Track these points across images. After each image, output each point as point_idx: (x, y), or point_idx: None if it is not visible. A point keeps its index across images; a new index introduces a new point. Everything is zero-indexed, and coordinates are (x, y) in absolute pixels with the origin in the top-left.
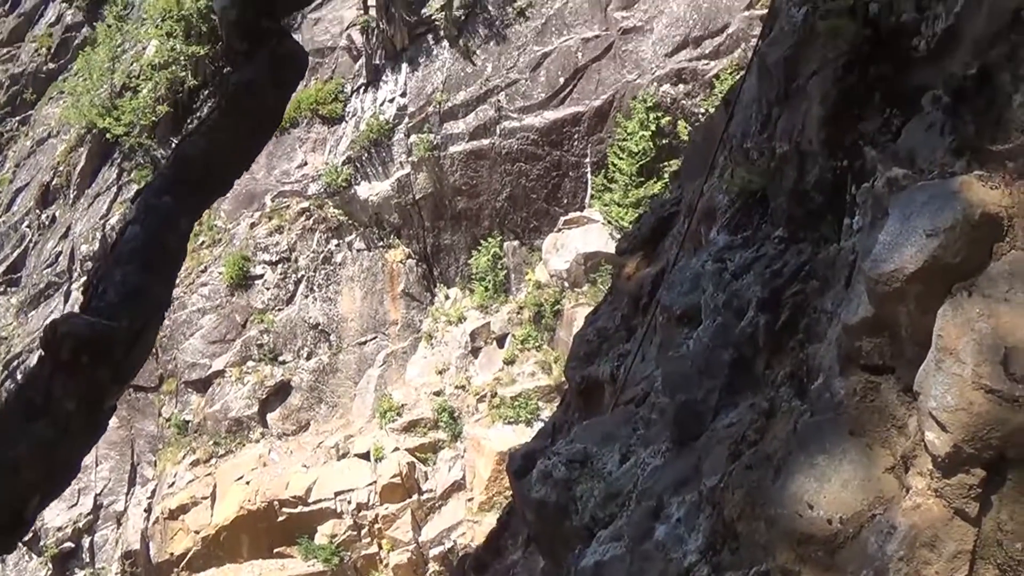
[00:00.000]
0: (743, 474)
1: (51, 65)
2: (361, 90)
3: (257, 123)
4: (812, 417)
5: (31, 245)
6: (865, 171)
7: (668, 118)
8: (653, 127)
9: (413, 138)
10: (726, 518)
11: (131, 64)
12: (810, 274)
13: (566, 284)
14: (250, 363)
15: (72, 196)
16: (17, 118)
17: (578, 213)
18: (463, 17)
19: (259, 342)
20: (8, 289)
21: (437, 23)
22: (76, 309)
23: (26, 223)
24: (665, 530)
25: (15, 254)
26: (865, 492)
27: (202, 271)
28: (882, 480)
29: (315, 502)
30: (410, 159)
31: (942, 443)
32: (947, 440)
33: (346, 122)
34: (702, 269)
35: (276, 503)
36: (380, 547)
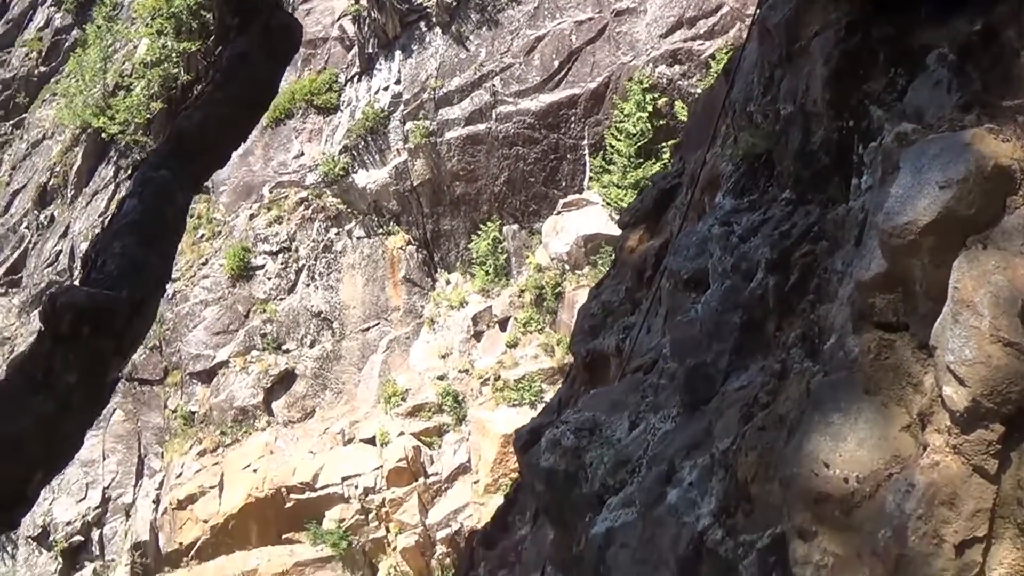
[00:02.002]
0: (756, 436)
1: (42, 68)
2: (355, 79)
3: (253, 95)
4: (826, 377)
5: (31, 245)
6: (871, 131)
7: (665, 99)
8: (650, 108)
9: (409, 125)
10: (739, 480)
11: (123, 63)
12: (819, 235)
13: (567, 267)
14: (254, 352)
15: (70, 195)
16: (11, 122)
17: (577, 195)
18: (455, 3)
19: (262, 331)
20: (9, 290)
21: (429, 10)
22: None
23: (25, 224)
24: (677, 494)
25: (15, 255)
26: (882, 451)
27: (203, 263)
28: (899, 438)
29: (322, 488)
30: (407, 146)
31: (960, 397)
32: (965, 395)
33: (341, 111)
34: (708, 233)
35: (284, 490)
36: (388, 531)
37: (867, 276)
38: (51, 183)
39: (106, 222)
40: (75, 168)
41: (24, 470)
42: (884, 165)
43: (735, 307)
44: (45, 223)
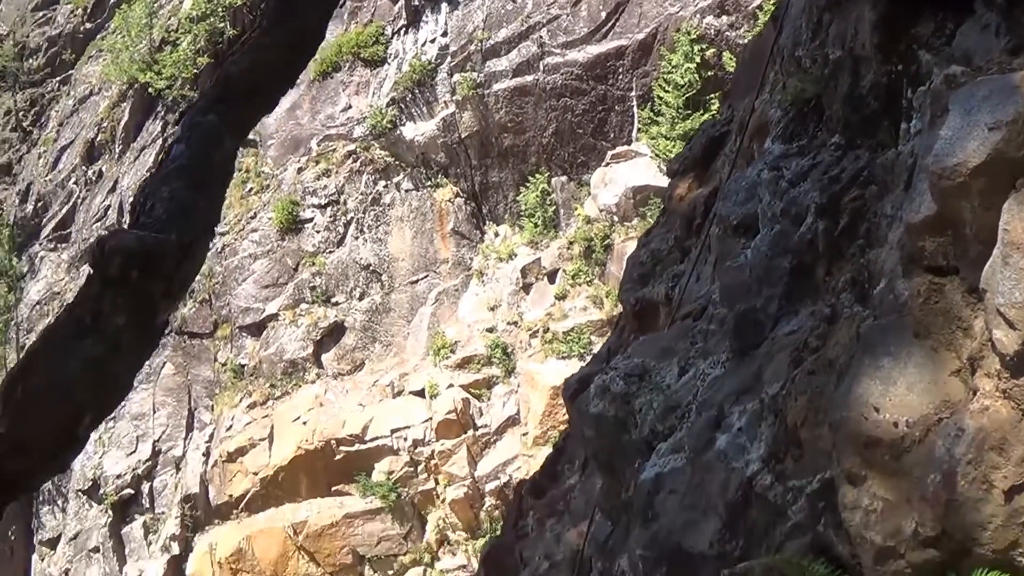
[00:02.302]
0: (806, 380)
1: (88, 25)
2: (402, 31)
3: (299, 41)
4: (875, 321)
5: (79, 201)
6: (920, 75)
7: (713, 50)
8: (698, 59)
9: (456, 77)
10: (789, 425)
11: (169, 18)
12: (868, 179)
13: (615, 218)
14: (303, 305)
15: (118, 151)
16: (57, 79)
17: (626, 147)
18: None
19: (311, 284)
20: (58, 245)
21: None
22: None
23: (73, 180)
24: (726, 440)
25: (64, 211)
26: (931, 395)
27: (252, 217)
28: (948, 383)
29: (372, 440)
30: (454, 98)
31: (1010, 340)
32: (1016, 338)
33: (388, 64)
34: (758, 178)
35: (333, 442)
36: (437, 483)
37: (917, 219)
38: (99, 139)
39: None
40: (122, 123)
41: (74, 413)
42: (933, 108)
43: (785, 252)
44: (93, 178)
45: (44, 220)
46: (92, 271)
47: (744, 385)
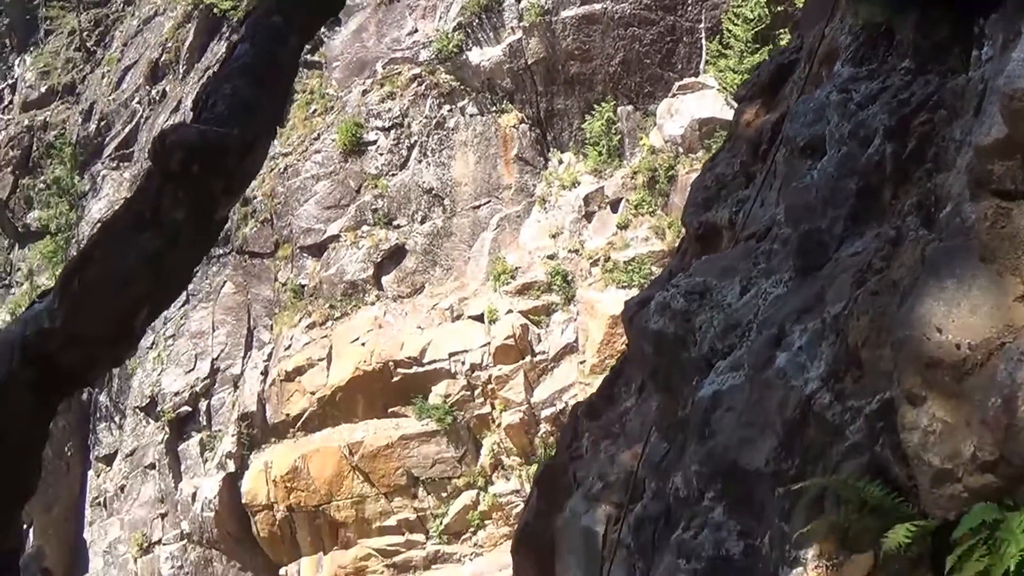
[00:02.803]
0: (869, 300)
1: None
2: None
3: None
4: (941, 244)
5: (142, 120)
6: (991, 1)
7: None
8: None
9: (524, 3)
10: (850, 345)
11: None
12: (938, 103)
13: (680, 150)
14: (364, 227)
15: (182, 71)
16: None
17: (693, 79)
18: None
19: (373, 207)
20: (121, 164)
21: None
22: None
23: (136, 99)
24: (786, 358)
25: (126, 130)
26: (994, 319)
27: (315, 138)
28: (1012, 308)
29: (429, 363)
30: (521, 24)
31: None
32: None
33: None
34: (826, 100)
35: (391, 364)
36: (493, 407)
37: (986, 141)
38: (163, 59)
39: None
40: (187, 44)
41: (131, 306)
42: (1005, 32)
43: (851, 174)
44: (157, 98)
45: (107, 139)
46: (152, 165)
47: (806, 304)
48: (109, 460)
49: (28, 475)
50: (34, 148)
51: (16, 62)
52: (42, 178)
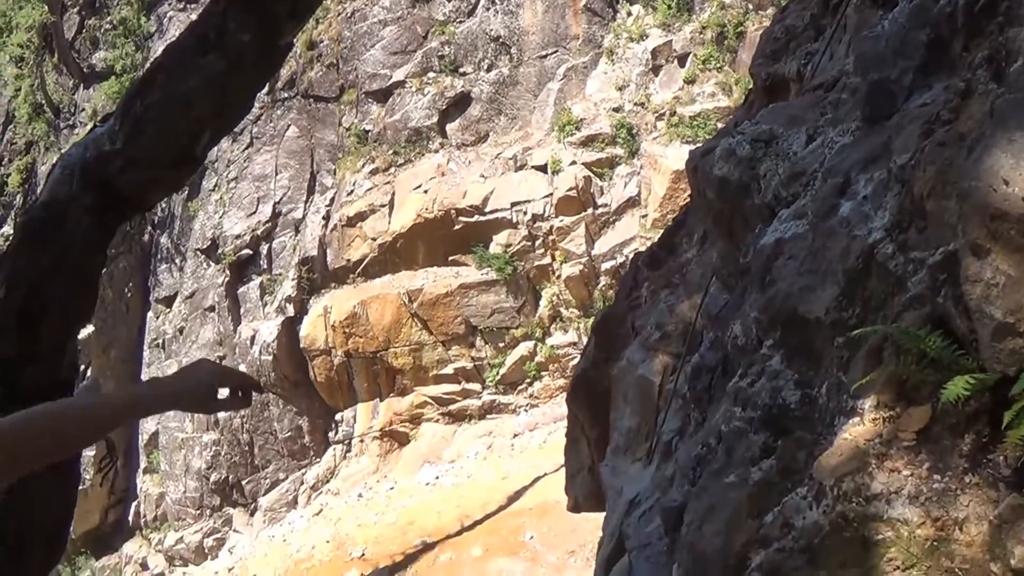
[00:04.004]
0: (935, 151)
1: None
2: None
3: None
4: (1011, 96)
5: None
6: None
7: None
8: None
9: None
10: (915, 195)
11: None
12: None
13: (750, 5)
14: (431, 74)
15: None
16: None
17: None
18: None
19: (440, 53)
20: (188, 5)
21: None
22: None
23: None
24: (851, 207)
25: None
26: None
27: None
28: None
29: (491, 212)
30: None
31: None
32: None
33: None
34: None
35: (453, 212)
36: (553, 258)
37: None
38: None
39: None
40: None
41: (193, 128)
42: None
43: (923, 25)
44: None
45: None
46: None
47: (872, 154)
48: (169, 302)
49: (84, 300)
50: None
51: None
52: (108, 18)
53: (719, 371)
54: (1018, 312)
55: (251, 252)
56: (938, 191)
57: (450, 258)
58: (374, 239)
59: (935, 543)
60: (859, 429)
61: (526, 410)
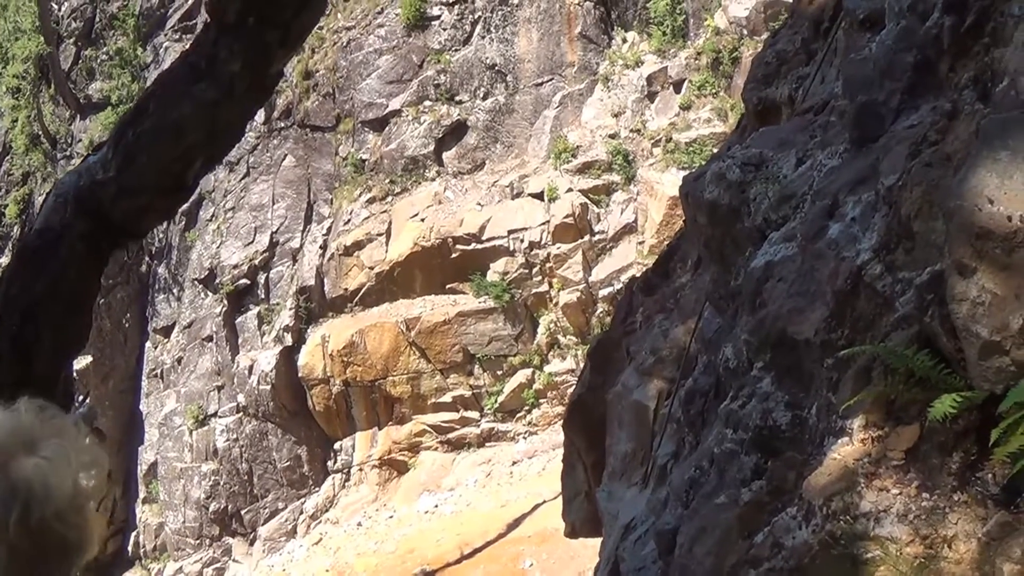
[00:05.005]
0: (922, 171)
1: None
2: None
3: None
4: (996, 116)
5: None
6: None
7: None
8: None
9: None
10: (902, 216)
11: None
12: None
13: (745, 31)
14: (427, 103)
15: None
16: None
17: None
18: None
19: (436, 82)
20: (184, 36)
21: None
22: None
23: None
24: (839, 229)
25: (189, 2)
26: None
27: (378, 12)
28: None
29: (488, 240)
30: None
31: None
32: None
33: None
34: None
35: (450, 240)
36: (550, 286)
37: None
38: None
39: None
40: None
41: (184, 156)
42: None
43: (909, 47)
44: None
45: (169, 11)
46: (209, 17)
47: (860, 175)
48: (167, 332)
49: (78, 327)
50: (97, 19)
51: None
52: (104, 49)
53: (712, 394)
54: (1004, 330)
55: (249, 282)
56: (925, 211)
57: (447, 286)
58: (371, 268)
59: (924, 561)
60: (848, 449)
61: (525, 437)
